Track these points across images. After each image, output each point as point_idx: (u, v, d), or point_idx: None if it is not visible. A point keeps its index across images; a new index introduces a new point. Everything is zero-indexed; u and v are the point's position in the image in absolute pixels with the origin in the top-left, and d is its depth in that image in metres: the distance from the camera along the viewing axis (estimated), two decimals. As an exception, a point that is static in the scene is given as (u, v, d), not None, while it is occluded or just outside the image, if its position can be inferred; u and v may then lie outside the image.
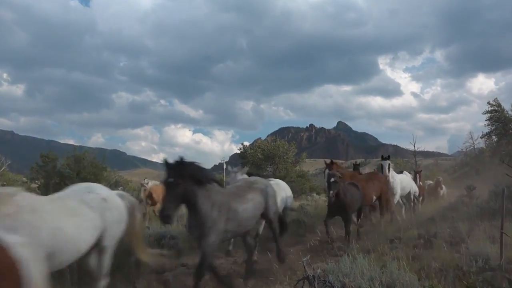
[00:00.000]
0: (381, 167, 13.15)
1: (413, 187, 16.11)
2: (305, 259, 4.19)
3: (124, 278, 7.66)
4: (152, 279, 7.87)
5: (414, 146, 40.83)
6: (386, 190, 12.39)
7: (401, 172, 16.33)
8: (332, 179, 9.67)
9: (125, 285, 7.46)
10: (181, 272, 8.30)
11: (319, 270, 4.05)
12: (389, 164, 13.00)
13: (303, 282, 4.02)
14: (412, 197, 15.97)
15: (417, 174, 18.25)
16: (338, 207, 9.81)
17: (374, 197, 11.89)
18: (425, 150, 44.20)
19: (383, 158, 13.27)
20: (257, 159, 31.00)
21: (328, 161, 13.20)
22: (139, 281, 7.71)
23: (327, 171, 11.65)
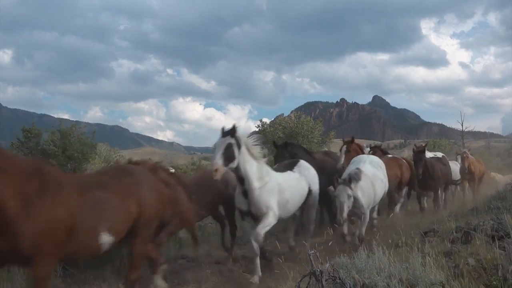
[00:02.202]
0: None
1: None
2: (312, 251, 4.19)
3: (116, 271, 7.80)
4: (147, 272, 8.00)
5: (462, 126, 40.10)
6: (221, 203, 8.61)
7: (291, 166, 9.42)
8: None
9: (117, 278, 7.60)
10: (180, 265, 8.42)
11: (327, 265, 4.05)
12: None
13: (310, 277, 4.03)
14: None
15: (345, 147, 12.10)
16: None
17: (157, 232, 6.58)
18: (475, 130, 43.26)
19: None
20: (277, 138, 30.95)
21: None
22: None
23: None
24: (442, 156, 16.80)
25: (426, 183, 13.70)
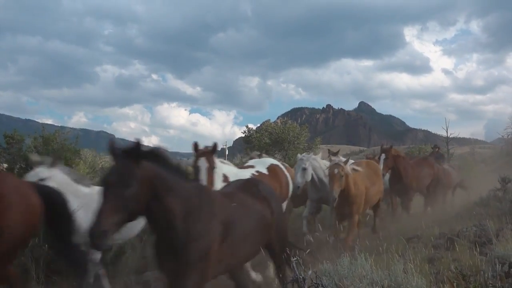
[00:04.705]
0: None
1: None
2: (294, 258, 4.20)
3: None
4: (130, 280, 7.93)
5: (447, 132, 40.09)
6: None
7: None
8: None
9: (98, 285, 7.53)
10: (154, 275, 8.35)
11: (310, 272, 4.05)
12: None
13: (293, 284, 4.03)
14: None
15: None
16: None
17: None
18: (460, 136, 43.33)
19: None
20: (263, 144, 31.00)
21: None
22: (115, 281, 7.77)
23: None
24: (270, 166, 9.68)
25: None
